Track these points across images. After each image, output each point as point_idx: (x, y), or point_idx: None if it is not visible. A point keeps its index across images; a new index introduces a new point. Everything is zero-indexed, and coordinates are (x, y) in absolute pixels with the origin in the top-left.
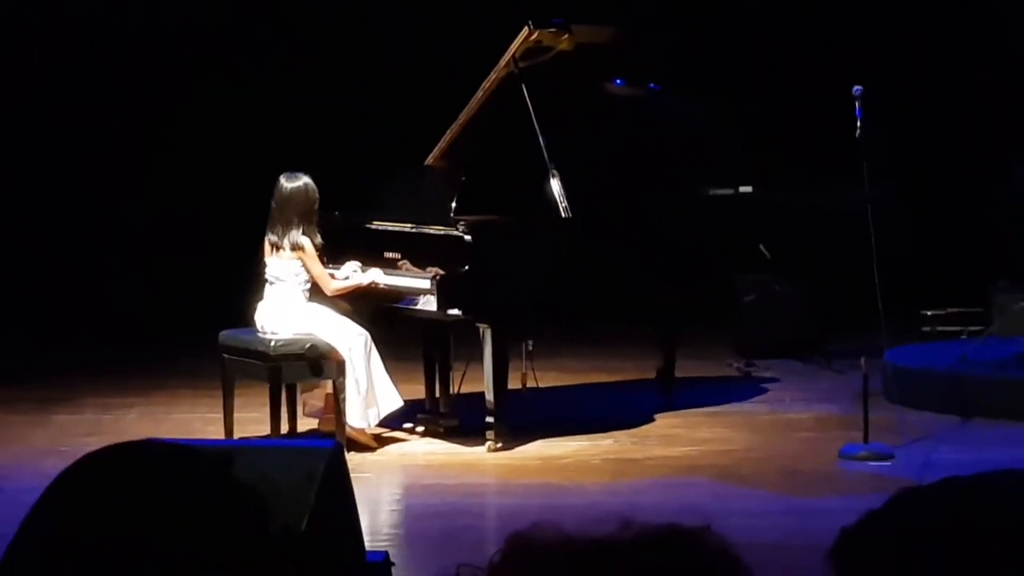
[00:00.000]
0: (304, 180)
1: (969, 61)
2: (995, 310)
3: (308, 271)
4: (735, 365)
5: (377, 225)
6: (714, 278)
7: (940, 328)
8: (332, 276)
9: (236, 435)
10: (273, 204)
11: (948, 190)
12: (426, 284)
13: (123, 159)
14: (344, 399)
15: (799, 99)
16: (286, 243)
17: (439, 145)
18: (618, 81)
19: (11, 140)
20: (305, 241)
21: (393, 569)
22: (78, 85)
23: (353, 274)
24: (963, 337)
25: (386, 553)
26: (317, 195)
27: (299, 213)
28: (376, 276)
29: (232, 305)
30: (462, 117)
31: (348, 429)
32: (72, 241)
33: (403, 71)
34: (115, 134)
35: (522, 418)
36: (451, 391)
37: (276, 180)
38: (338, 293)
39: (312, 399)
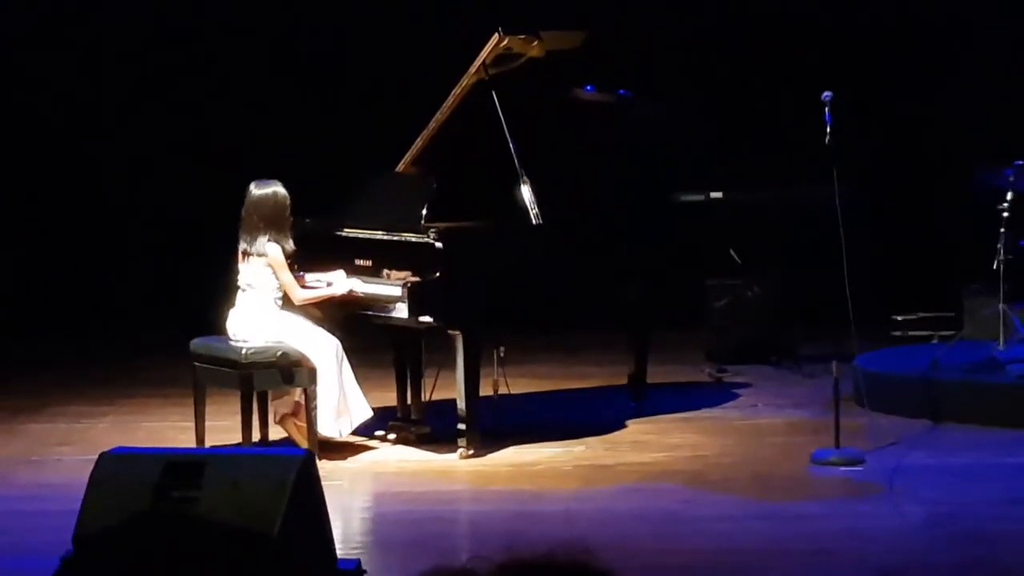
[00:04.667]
0: (273, 187)
1: (936, 65)
2: (966, 314)
3: (276, 279)
4: (707, 371)
5: (348, 232)
6: (685, 284)
7: (911, 333)
8: (304, 285)
9: (208, 443)
10: (243, 211)
11: (918, 194)
12: (397, 291)
13: (89, 165)
14: (315, 407)
15: (769, 104)
16: (255, 250)
17: (410, 152)
18: (588, 87)
19: None
20: (272, 248)
21: None
22: (51, 84)
23: (327, 286)
24: (934, 341)
25: (358, 561)
26: (288, 202)
27: (267, 220)
28: (354, 284)
29: (204, 313)
30: (433, 124)
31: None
32: (43, 248)
33: (374, 78)
34: (85, 137)
35: (494, 425)
36: (423, 398)
37: (247, 187)
38: (306, 302)
39: (282, 407)
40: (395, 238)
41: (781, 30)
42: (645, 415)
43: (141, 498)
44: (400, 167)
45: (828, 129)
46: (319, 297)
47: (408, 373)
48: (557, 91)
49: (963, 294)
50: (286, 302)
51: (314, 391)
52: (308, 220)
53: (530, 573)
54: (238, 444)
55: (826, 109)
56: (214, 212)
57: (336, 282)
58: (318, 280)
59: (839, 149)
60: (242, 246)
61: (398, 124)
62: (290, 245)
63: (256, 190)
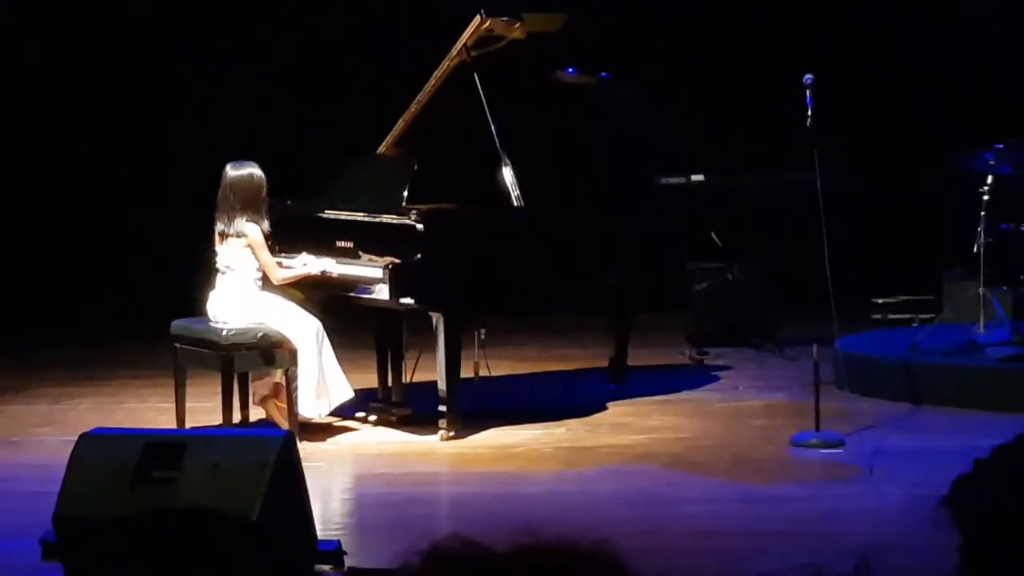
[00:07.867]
0: (249, 168)
1: (915, 50)
2: (945, 297)
3: (256, 259)
4: (687, 353)
5: (329, 214)
6: (666, 267)
7: (891, 316)
8: (280, 265)
9: (188, 425)
10: (219, 193)
11: (898, 178)
12: (378, 273)
13: (67, 148)
14: (296, 388)
15: (751, 87)
16: (232, 231)
17: (392, 133)
18: (570, 70)
19: None
20: (250, 229)
21: (345, 558)
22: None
23: (303, 265)
24: (914, 324)
25: (338, 542)
26: (264, 183)
27: (244, 201)
28: (327, 265)
29: (183, 294)
30: (414, 106)
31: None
32: (23, 232)
33: (355, 59)
34: (62, 120)
35: (475, 407)
36: (404, 380)
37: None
38: (285, 282)
39: (262, 388)
40: (376, 220)
41: (762, 11)
42: (626, 397)
43: (121, 479)
44: (381, 149)
45: (809, 112)
46: (297, 276)
47: (389, 354)
48: (538, 73)
49: (943, 278)
50: (266, 283)
51: (294, 372)
52: (289, 202)
53: (511, 555)
54: (218, 425)
55: (807, 92)
56: (193, 193)
57: (309, 262)
58: (286, 262)
59: (820, 132)
60: (219, 227)
61: (380, 106)
62: (266, 226)
63: (232, 171)
